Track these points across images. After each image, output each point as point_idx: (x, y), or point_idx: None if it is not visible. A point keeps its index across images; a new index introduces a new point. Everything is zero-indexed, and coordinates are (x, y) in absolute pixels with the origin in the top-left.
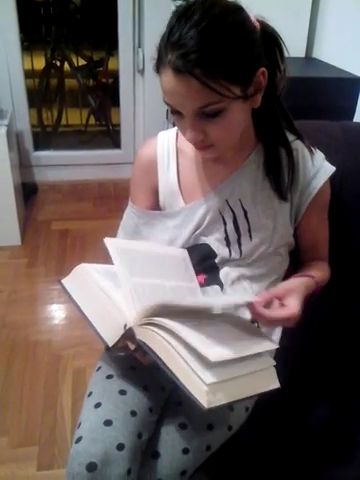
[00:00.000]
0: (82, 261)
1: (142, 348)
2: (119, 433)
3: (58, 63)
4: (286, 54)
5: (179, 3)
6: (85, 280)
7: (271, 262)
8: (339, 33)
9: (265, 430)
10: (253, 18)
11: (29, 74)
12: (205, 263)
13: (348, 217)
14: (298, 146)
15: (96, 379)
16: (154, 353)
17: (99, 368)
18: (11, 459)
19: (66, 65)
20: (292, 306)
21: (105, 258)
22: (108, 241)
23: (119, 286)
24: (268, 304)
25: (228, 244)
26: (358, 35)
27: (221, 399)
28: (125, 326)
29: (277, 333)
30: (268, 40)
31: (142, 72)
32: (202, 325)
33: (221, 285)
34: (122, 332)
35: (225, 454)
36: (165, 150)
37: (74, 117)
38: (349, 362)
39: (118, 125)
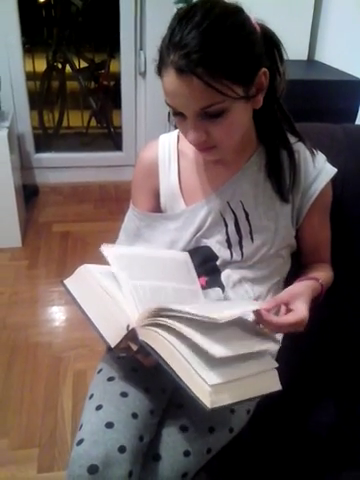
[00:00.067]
0: (83, 263)
1: (144, 349)
2: (120, 435)
3: (60, 65)
4: (285, 57)
5: (180, 6)
6: (88, 281)
7: (273, 264)
8: (341, 36)
9: (266, 432)
10: (253, 20)
11: (30, 76)
12: (206, 265)
13: (350, 219)
14: (300, 148)
15: (97, 381)
16: (157, 354)
17: (100, 370)
18: (11, 461)
19: (68, 67)
20: (299, 311)
21: (106, 261)
22: (105, 248)
23: (121, 287)
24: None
25: (229, 246)
26: None
27: (224, 400)
28: (128, 327)
29: (279, 335)
30: (268, 43)
31: (144, 74)
32: (205, 324)
33: (222, 287)
34: (125, 333)
35: (226, 456)
36: (166, 152)
37: (75, 119)
38: (351, 364)
39: (119, 127)
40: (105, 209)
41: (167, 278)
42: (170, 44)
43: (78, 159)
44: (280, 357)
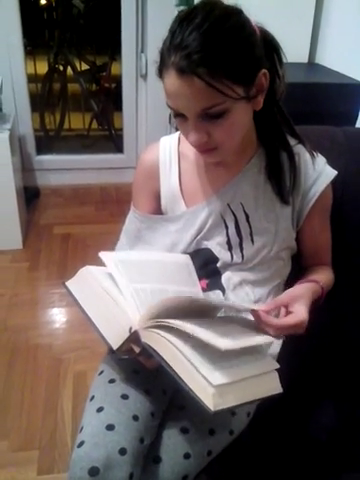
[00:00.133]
0: (83, 265)
1: (147, 351)
2: (121, 438)
3: (61, 68)
4: (285, 60)
5: (181, 8)
6: (90, 282)
7: (273, 266)
8: (342, 39)
9: (266, 435)
10: (253, 23)
11: (32, 78)
12: (207, 268)
13: (350, 222)
14: (300, 150)
15: (98, 383)
16: (159, 356)
17: (101, 372)
18: (11, 463)
19: (69, 69)
20: (299, 313)
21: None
22: (103, 255)
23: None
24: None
25: (230, 248)
26: None
27: (227, 402)
28: (130, 329)
29: (278, 341)
30: (267, 46)
31: (145, 77)
32: (206, 322)
33: (223, 290)
34: (127, 335)
35: (226, 459)
36: (167, 155)
37: (77, 121)
38: (351, 367)
39: (121, 129)
40: (106, 211)
41: (168, 281)
42: (171, 46)
43: (79, 161)
44: (281, 360)
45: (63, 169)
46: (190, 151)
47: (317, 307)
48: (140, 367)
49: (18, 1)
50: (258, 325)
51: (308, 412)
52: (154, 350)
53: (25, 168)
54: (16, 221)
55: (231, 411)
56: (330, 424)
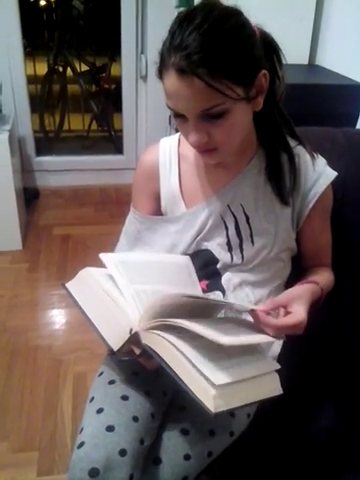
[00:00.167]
0: (83, 266)
1: (147, 353)
2: (121, 439)
3: (61, 69)
4: (284, 61)
5: (181, 9)
6: (90, 284)
7: (273, 267)
8: (342, 40)
9: (266, 436)
10: (252, 24)
11: (31, 79)
12: (207, 269)
13: (351, 223)
14: (300, 151)
15: (98, 384)
16: (160, 357)
17: (101, 373)
18: (11, 464)
19: (69, 71)
20: (298, 313)
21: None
22: (104, 256)
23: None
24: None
25: (230, 249)
26: None
27: (228, 404)
28: (130, 330)
29: (278, 342)
30: (267, 47)
31: (145, 78)
32: (206, 322)
33: (223, 291)
34: (128, 337)
35: (227, 460)
36: (167, 156)
37: (76, 122)
38: (351, 368)
39: (120, 131)
40: (106, 212)
41: (168, 282)
42: (171, 46)
43: (79, 162)
44: (281, 360)
45: (63, 170)
46: (190, 152)
47: (317, 308)
48: (140, 368)
49: (18, 2)
50: (257, 325)
51: (308, 413)
52: (154, 351)
53: (25, 169)
54: (16, 222)
55: (231, 412)
56: (330, 425)
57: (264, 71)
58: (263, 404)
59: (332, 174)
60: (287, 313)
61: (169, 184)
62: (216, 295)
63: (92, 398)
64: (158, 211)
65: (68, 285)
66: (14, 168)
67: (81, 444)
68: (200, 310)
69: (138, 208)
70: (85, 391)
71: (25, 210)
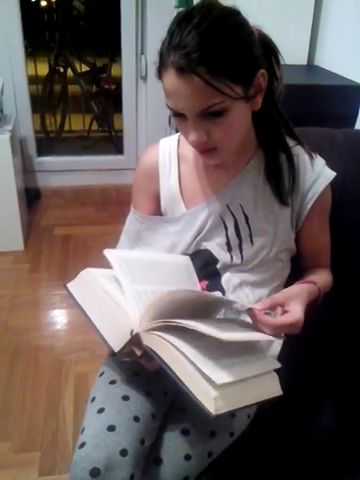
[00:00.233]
0: (84, 266)
1: (148, 354)
2: (122, 439)
3: (61, 69)
4: (282, 62)
5: (181, 10)
6: (91, 284)
7: (273, 268)
8: (341, 40)
9: (267, 437)
10: (250, 24)
11: (32, 80)
12: (207, 269)
13: (349, 224)
14: (299, 152)
15: (99, 384)
16: (161, 359)
17: (102, 373)
18: (13, 464)
19: (69, 71)
20: (295, 312)
21: (108, 264)
22: (108, 252)
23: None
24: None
25: (229, 249)
26: None
27: (228, 405)
28: (131, 332)
29: (278, 341)
30: (265, 48)
31: (145, 78)
32: (206, 320)
33: (223, 291)
34: (128, 338)
35: (227, 460)
36: (167, 156)
37: (77, 123)
38: (350, 369)
39: (121, 131)
40: (106, 212)
41: (168, 282)
42: (170, 46)
43: (80, 162)
44: (281, 361)
45: (64, 170)
46: (190, 152)
47: (315, 308)
48: (141, 369)
49: (19, 3)
50: (254, 324)
51: (308, 413)
52: (155, 353)
53: (26, 169)
54: (17, 222)
55: (231, 413)
56: (330, 425)
57: (263, 71)
58: (263, 405)
59: (331, 174)
60: (284, 312)
61: (169, 184)
62: (216, 294)
63: (93, 398)
64: (158, 211)
65: (69, 286)
66: (15, 168)
67: (82, 444)
68: (201, 310)
69: (138, 208)
70: (86, 391)
71: (26, 210)
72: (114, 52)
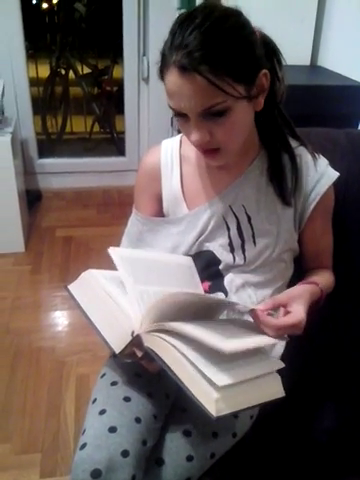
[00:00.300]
0: (86, 268)
1: (149, 355)
2: (124, 440)
3: (63, 71)
4: (284, 62)
5: (183, 11)
6: (92, 286)
7: (275, 268)
8: (344, 41)
9: (269, 437)
10: (252, 24)
11: (34, 82)
12: (209, 270)
13: (352, 224)
14: (301, 152)
15: (100, 386)
16: (162, 361)
17: (103, 375)
18: (14, 466)
19: (71, 73)
20: (297, 313)
21: (109, 266)
22: (112, 250)
23: (126, 293)
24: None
25: (232, 250)
26: None
27: (229, 407)
28: (132, 333)
29: (281, 343)
30: (266, 48)
31: (147, 80)
32: (208, 324)
33: (225, 292)
34: (130, 339)
35: (229, 461)
36: (169, 157)
37: (79, 125)
38: (353, 369)
39: (122, 133)
40: (108, 214)
41: (171, 283)
42: (172, 46)
43: (81, 164)
44: (283, 362)
45: (65, 172)
46: (192, 153)
47: (317, 309)
48: (142, 370)
49: (20, 5)
50: (257, 325)
51: (310, 414)
52: (156, 354)
53: (27, 171)
54: (18, 224)
55: (234, 414)
56: (332, 426)
57: (265, 71)
58: (265, 406)
59: (334, 174)
60: (286, 313)
61: (171, 185)
62: (219, 296)
63: (94, 399)
64: (160, 212)
65: (70, 287)
66: (16, 170)
67: (83, 445)
68: (203, 312)
69: (140, 210)
70: (88, 393)
71: (28, 212)
72: (116, 54)
